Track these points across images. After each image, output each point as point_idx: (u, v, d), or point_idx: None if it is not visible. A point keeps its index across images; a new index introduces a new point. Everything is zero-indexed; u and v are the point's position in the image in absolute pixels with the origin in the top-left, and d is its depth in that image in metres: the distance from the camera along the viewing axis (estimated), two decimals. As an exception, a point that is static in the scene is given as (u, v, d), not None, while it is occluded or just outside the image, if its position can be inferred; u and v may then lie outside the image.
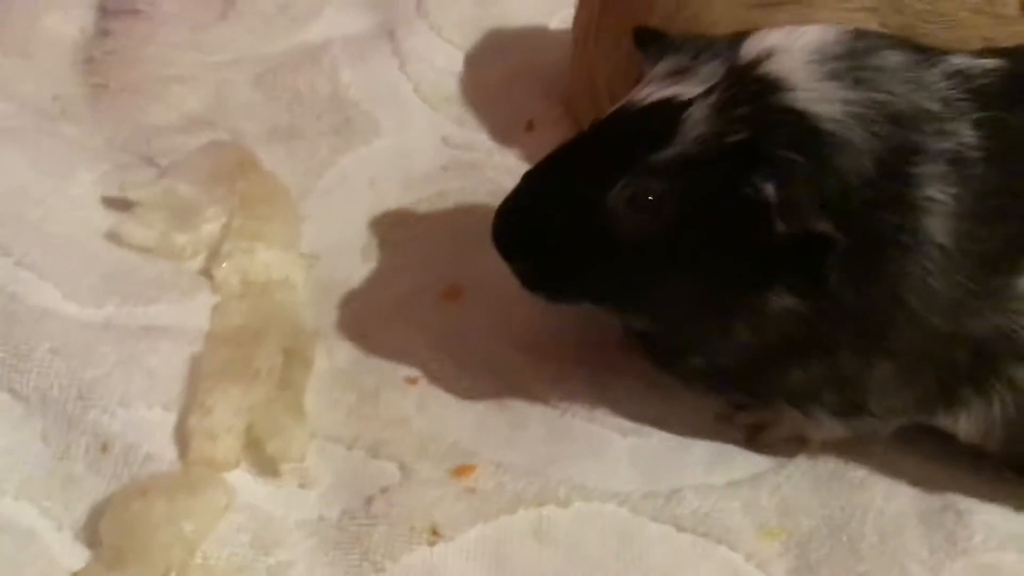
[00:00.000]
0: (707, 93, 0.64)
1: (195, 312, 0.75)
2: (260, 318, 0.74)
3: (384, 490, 0.69)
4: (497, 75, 1.06)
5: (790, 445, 0.75)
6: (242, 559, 0.64)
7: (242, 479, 0.67)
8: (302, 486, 0.68)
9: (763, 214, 0.61)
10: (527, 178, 0.70)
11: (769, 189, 0.60)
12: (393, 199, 0.91)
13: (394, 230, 0.88)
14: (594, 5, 0.97)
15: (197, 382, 0.69)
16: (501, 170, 0.95)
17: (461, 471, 0.70)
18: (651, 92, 0.67)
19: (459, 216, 0.91)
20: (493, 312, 0.81)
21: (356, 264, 0.85)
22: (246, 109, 0.96)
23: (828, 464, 0.74)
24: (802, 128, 0.62)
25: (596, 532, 0.68)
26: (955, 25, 0.88)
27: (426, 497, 0.69)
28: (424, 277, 0.84)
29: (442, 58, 1.06)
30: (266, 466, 0.68)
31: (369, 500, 0.68)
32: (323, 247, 0.86)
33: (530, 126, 1.01)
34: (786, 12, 0.86)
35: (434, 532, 0.66)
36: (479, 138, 0.99)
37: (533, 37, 1.12)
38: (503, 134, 1.00)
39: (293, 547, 0.65)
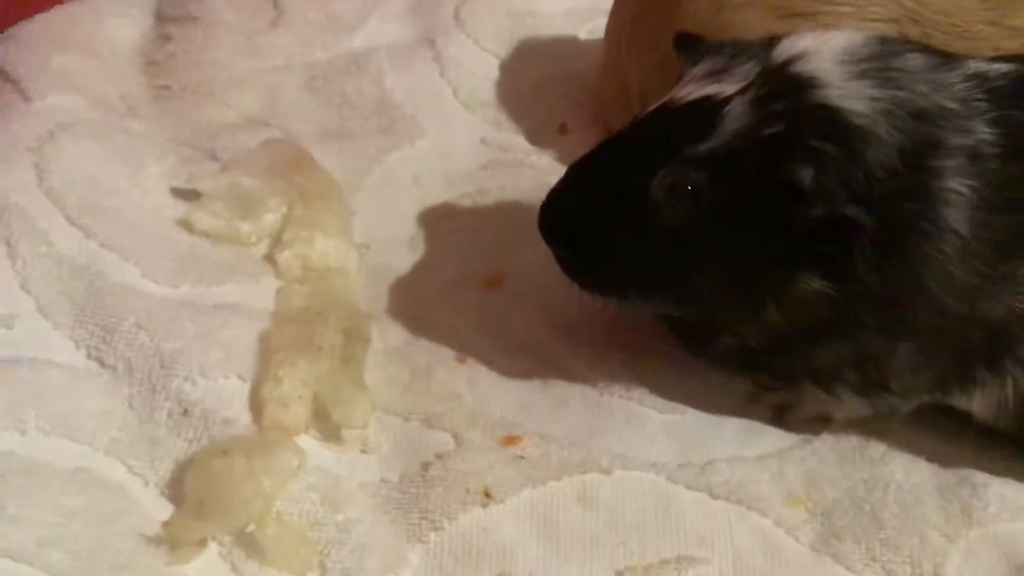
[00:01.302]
0: (744, 91, 0.70)
1: (261, 294, 0.81)
2: (320, 300, 0.79)
3: (440, 456, 0.74)
4: (531, 81, 1.12)
5: (815, 424, 0.80)
6: (315, 515, 0.68)
7: (310, 444, 0.72)
8: (364, 451, 0.74)
9: (798, 199, 0.66)
10: (572, 169, 0.76)
11: (805, 174, 0.65)
12: (437, 195, 0.97)
13: (438, 223, 0.94)
14: (626, 15, 1.03)
15: (268, 355, 0.74)
16: (537, 169, 1.01)
17: (510, 440, 0.75)
18: (691, 91, 0.72)
19: (499, 211, 0.96)
20: (533, 299, 0.86)
21: (404, 254, 0.90)
22: (298, 111, 1.02)
23: (851, 440, 0.79)
24: (834, 122, 0.67)
25: (635, 498, 0.73)
26: (969, 36, 0.93)
27: (479, 463, 0.74)
28: (467, 266, 0.90)
29: (479, 65, 1.12)
30: (331, 432, 0.73)
31: (426, 465, 0.73)
32: (373, 238, 0.91)
33: (563, 129, 1.06)
34: (813, 22, 0.92)
35: (487, 494, 0.71)
36: (515, 140, 1.05)
37: (564, 46, 1.18)
38: (538, 136, 1.06)
39: (358, 506, 0.70)
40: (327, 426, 0.73)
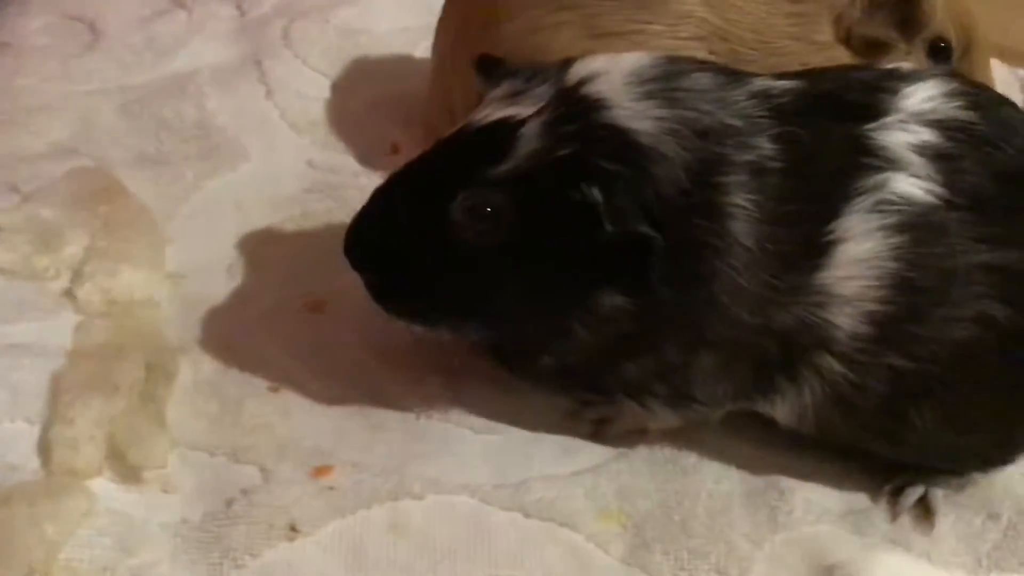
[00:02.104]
0: (538, 113, 0.71)
1: (58, 331, 0.78)
2: (122, 335, 0.77)
3: (245, 491, 0.72)
4: (362, 101, 1.11)
5: (632, 436, 0.81)
6: (105, 560, 0.66)
7: (105, 487, 0.70)
8: (165, 491, 0.72)
9: (591, 217, 0.67)
10: (375, 194, 0.75)
11: (595, 193, 0.67)
12: (259, 220, 0.95)
13: (259, 249, 0.92)
14: (449, 36, 1.03)
15: (59, 396, 0.71)
16: (365, 191, 0.96)
17: (320, 471, 0.74)
18: (489, 113, 0.73)
19: (323, 234, 0.95)
20: (353, 324, 0.85)
21: (222, 282, 0.89)
22: (111, 136, 0.99)
23: (664, 452, 0.80)
24: (622, 142, 0.69)
25: (448, 522, 0.73)
26: (776, 51, 0.97)
27: (285, 496, 0.72)
28: (287, 292, 0.88)
29: (308, 85, 1.11)
30: (129, 474, 0.71)
31: (230, 502, 0.72)
32: (189, 267, 0.89)
33: (395, 149, 1.06)
34: (624, 41, 0.94)
35: (293, 528, 0.70)
36: (344, 161, 1.04)
37: (398, 65, 1.18)
38: (368, 157, 1.05)
39: (156, 548, 0.68)
40: (125, 466, 0.71)
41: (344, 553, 0.70)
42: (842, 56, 0.97)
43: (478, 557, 0.71)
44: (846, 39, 0.98)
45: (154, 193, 0.92)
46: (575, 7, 0.95)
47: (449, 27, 1.03)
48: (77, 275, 0.81)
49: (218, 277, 0.89)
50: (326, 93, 1.11)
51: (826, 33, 0.98)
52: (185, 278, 0.88)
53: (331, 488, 0.73)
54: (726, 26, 0.96)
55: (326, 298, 0.88)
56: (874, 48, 0.98)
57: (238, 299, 0.87)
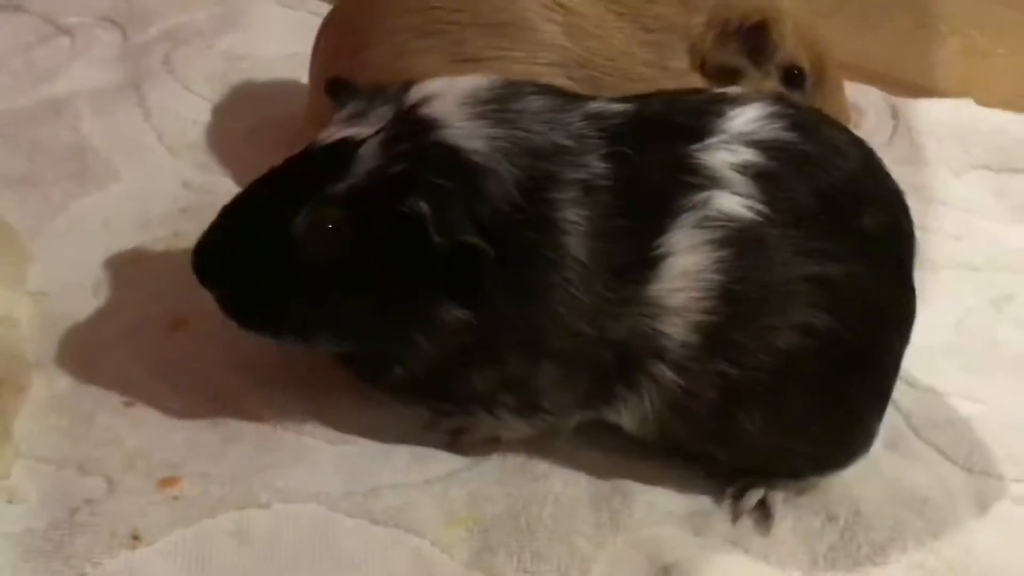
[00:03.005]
0: (377, 132, 0.74)
1: (-92, 345, 0.79)
2: (-26, 351, 0.77)
3: (88, 501, 0.73)
4: (244, 125, 1.13)
5: (486, 446, 0.83)
6: (-60, 571, 0.67)
7: (-52, 496, 0.71)
8: (9, 501, 0.72)
9: (421, 229, 0.70)
10: (223, 212, 0.78)
11: (423, 207, 0.70)
12: (127, 240, 0.96)
13: (125, 268, 0.93)
14: (323, 60, 1.06)
15: (-99, 408, 0.72)
16: None
17: (167, 482, 0.76)
18: (333, 133, 0.76)
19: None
20: (214, 341, 0.86)
21: (86, 300, 0.90)
22: (-17, 160, 1.00)
23: (517, 459, 0.82)
24: (451, 159, 0.72)
25: (294, 530, 0.74)
26: (633, 78, 1.01)
27: (130, 506, 0.73)
28: (151, 310, 0.89)
29: (188, 109, 1.12)
30: (-28, 485, 0.72)
31: (73, 511, 0.73)
32: (53, 285, 0.90)
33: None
34: (486, 67, 0.97)
35: (135, 537, 0.71)
36: (222, 182, 1.05)
37: (282, 89, 1.19)
38: (246, 179, 1.02)
39: (-4, 558, 0.69)
40: (-32, 479, 0.72)
41: (187, 561, 0.71)
42: (696, 83, 1.02)
43: (322, 563, 0.73)
44: (701, 67, 1.02)
45: (21, 213, 0.93)
46: (440, 33, 0.98)
47: (321, 53, 1.06)
48: (-68, 293, 0.82)
49: (82, 295, 0.90)
50: (206, 116, 1.13)
51: (682, 60, 1.02)
52: (48, 296, 0.89)
53: (176, 498, 0.74)
54: (585, 54, 1.00)
55: (189, 316, 0.89)
56: (727, 75, 1.02)
57: (100, 317, 0.88)
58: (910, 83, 1.31)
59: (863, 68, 1.28)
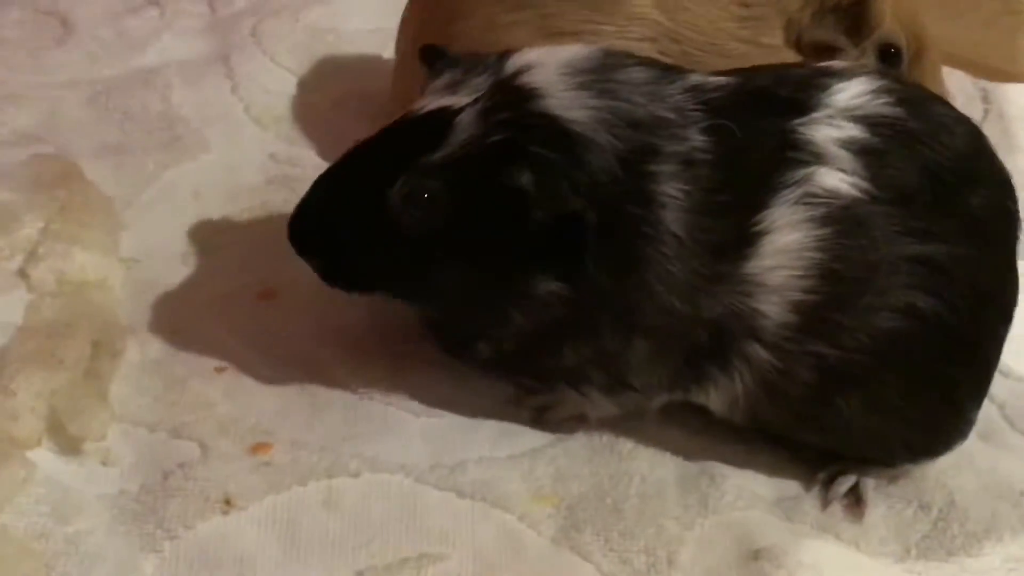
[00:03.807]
0: (475, 102, 0.73)
1: (9, 308, 0.80)
2: (71, 313, 0.79)
3: (181, 465, 0.74)
4: (328, 98, 1.13)
5: (571, 424, 0.82)
6: (41, 527, 0.68)
7: (45, 457, 0.72)
8: (104, 464, 0.73)
9: (521, 202, 0.69)
10: (318, 181, 0.77)
11: (525, 178, 0.69)
12: (216, 210, 0.97)
13: (215, 237, 0.94)
14: (411, 34, 1.05)
15: (2, 369, 0.73)
16: None
17: (258, 448, 0.76)
18: (429, 102, 0.75)
19: (279, 225, 0.95)
20: (304, 311, 0.87)
21: (176, 268, 0.90)
22: (76, 126, 1.01)
23: (602, 438, 0.81)
24: (553, 129, 0.70)
25: (381, 500, 0.74)
26: (725, 54, 0.99)
27: (222, 471, 0.74)
28: (241, 279, 0.90)
29: (275, 82, 1.13)
30: (69, 445, 0.73)
31: (167, 475, 0.74)
32: (144, 252, 0.91)
33: (357, 145, 1.08)
34: (576, 39, 0.95)
35: (227, 502, 0.72)
36: (306, 155, 1.06)
37: (366, 64, 1.20)
38: (330, 153, 1.06)
39: (92, 518, 0.70)
40: (65, 439, 0.73)
41: (277, 528, 0.72)
42: (791, 59, 0.99)
43: (409, 534, 0.73)
44: (796, 43, 1.00)
45: (114, 181, 0.94)
46: (531, 6, 0.97)
47: (410, 26, 1.05)
48: (31, 256, 0.83)
49: (172, 263, 0.91)
50: (292, 90, 1.13)
51: (776, 37, 1.00)
52: (139, 263, 0.90)
53: (268, 464, 0.75)
54: (677, 28, 0.98)
55: (278, 286, 0.89)
56: (823, 52, 0.99)
57: (190, 285, 0.89)
58: (997, 69, 1.26)
59: (949, 54, 1.24)
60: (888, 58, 1.02)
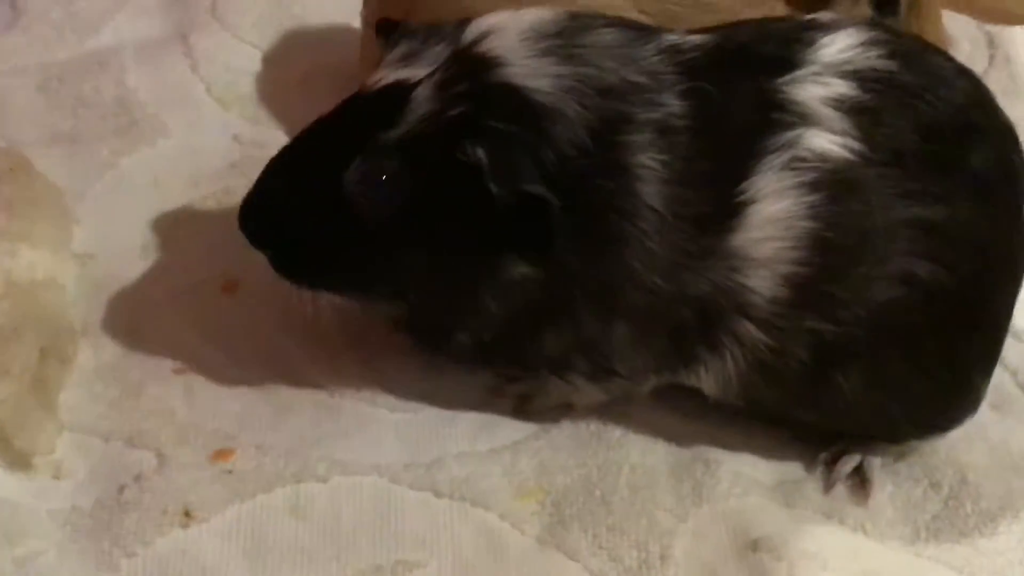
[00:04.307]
0: (431, 74, 0.68)
1: (-49, 315, 0.76)
2: (19, 317, 0.74)
3: (137, 477, 0.70)
4: (296, 73, 1.08)
5: (556, 412, 0.78)
6: (-15, 550, 0.64)
7: (-9, 474, 0.68)
8: (56, 478, 0.70)
9: (478, 178, 0.64)
10: (270, 165, 0.72)
11: (479, 153, 0.64)
12: (177, 198, 0.92)
13: (175, 228, 0.89)
14: (375, 4, 1.00)
15: (-57, 380, 0.69)
16: None
17: (220, 455, 0.72)
18: (383, 76, 0.70)
19: (244, 212, 0.92)
20: (268, 304, 0.82)
21: (134, 262, 0.86)
22: (26, 115, 0.97)
23: (589, 427, 0.77)
24: (515, 101, 0.65)
25: (353, 504, 0.71)
26: (710, 8, 0.93)
27: (181, 481, 0.70)
28: (202, 272, 0.86)
29: (238, 58, 1.08)
30: (17, 460, 0.69)
31: (122, 488, 0.70)
32: (100, 247, 0.86)
33: (327, 122, 1.03)
34: (547, 2, 0.90)
35: (187, 514, 0.68)
36: (274, 135, 1.00)
37: (335, 34, 1.14)
38: (299, 131, 1.02)
39: (43, 537, 0.66)
40: (12, 453, 0.69)
41: (242, 539, 0.68)
42: (781, 11, 0.94)
43: (384, 540, 0.69)
44: (787, -7, 0.94)
45: (66, 171, 0.90)
46: (500, -32, 0.92)
47: (374, -6, 1.00)
48: (-25, 257, 0.79)
49: (130, 257, 0.86)
50: (256, 66, 1.08)
51: None
52: (94, 258, 0.85)
53: (230, 472, 0.71)
54: (638, -3, 0.92)
55: (241, 278, 0.85)
56: (815, 2, 0.94)
57: (149, 280, 0.85)
58: (1005, 11, 1.20)
59: (952, -1, 1.18)
60: (883, 6, 0.96)
